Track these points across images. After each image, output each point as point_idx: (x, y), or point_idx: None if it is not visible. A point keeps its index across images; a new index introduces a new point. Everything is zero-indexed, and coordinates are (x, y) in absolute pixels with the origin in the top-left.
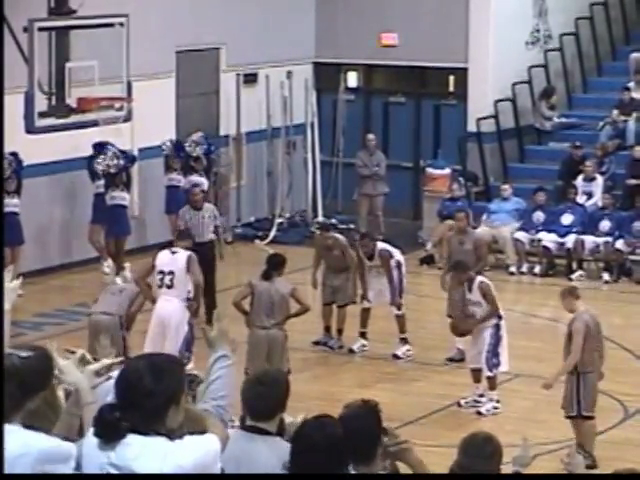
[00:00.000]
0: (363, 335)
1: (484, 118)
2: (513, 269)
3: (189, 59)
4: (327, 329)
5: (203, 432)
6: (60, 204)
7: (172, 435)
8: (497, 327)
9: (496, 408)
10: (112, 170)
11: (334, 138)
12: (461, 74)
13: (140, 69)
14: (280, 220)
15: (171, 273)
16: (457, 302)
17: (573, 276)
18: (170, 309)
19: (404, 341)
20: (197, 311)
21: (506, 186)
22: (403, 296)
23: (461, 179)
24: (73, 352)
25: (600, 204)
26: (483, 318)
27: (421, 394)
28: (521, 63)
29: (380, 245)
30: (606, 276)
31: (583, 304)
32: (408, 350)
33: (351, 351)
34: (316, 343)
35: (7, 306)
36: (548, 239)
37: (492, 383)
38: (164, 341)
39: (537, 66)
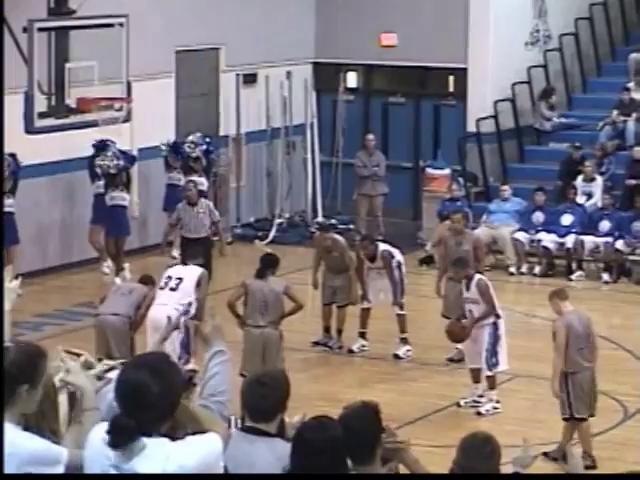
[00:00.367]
0: (363, 335)
1: (484, 118)
2: (513, 269)
3: (189, 59)
4: (327, 329)
5: (204, 431)
6: (60, 204)
7: (174, 435)
8: (495, 326)
9: (496, 408)
10: (112, 170)
11: (334, 138)
12: (461, 74)
13: (140, 69)
14: (280, 220)
15: (179, 279)
16: (453, 303)
17: (573, 276)
18: (163, 314)
19: (404, 341)
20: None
21: (506, 187)
22: (404, 296)
23: (461, 179)
24: (75, 354)
25: (600, 204)
26: (480, 317)
27: (421, 394)
28: (521, 63)
29: (382, 246)
30: (606, 276)
31: (571, 305)
32: (408, 350)
33: (351, 351)
34: (316, 343)
35: (7, 306)
36: (548, 239)
37: (492, 382)
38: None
39: (537, 66)
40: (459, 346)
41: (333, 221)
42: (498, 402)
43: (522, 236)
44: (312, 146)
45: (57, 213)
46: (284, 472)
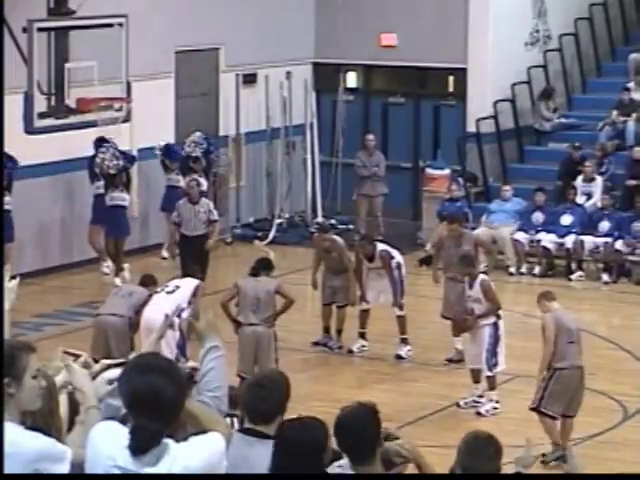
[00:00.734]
0: (362, 336)
1: (483, 119)
2: (512, 270)
3: (188, 59)
4: (326, 330)
5: (205, 430)
6: (60, 204)
7: (176, 436)
8: (496, 327)
9: (495, 408)
10: (111, 171)
11: (333, 139)
12: (460, 74)
13: (139, 69)
14: (279, 221)
15: (177, 286)
16: (453, 303)
17: (572, 277)
18: (157, 315)
19: (405, 341)
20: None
21: (507, 187)
22: (404, 297)
23: (460, 180)
24: (74, 354)
25: (599, 205)
26: (483, 314)
27: (420, 394)
28: (520, 64)
29: (380, 246)
30: (605, 277)
31: (558, 305)
32: (409, 350)
33: (350, 352)
34: (315, 344)
35: (6, 306)
36: (547, 240)
37: (492, 383)
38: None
39: (536, 67)
40: (458, 347)
41: (333, 221)
42: (498, 402)
43: (522, 236)
44: (312, 146)
45: (57, 213)
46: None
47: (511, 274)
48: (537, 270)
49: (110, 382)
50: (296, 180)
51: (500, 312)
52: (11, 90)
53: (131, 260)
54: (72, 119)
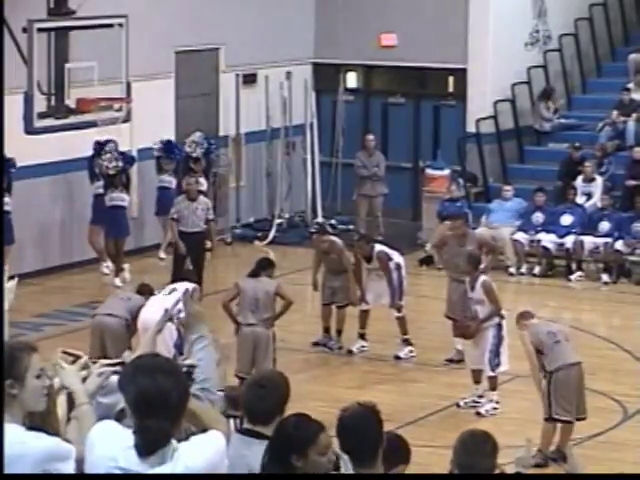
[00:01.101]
0: (362, 336)
1: (483, 119)
2: (512, 270)
3: (188, 59)
4: (326, 330)
5: (205, 428)
6: (60, 205)
7: (178, 436)
8: (499, 327)
9: (495, 409)
10: (111, 171)
11: (333, 139)
12: (460, 75)
13: (139, 70)
14: (279, 221)
15: (174, 289)
16: (456, 303)
17: (572, 277)
18: (153, 315)
19: (406, 342)
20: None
21: (508, 187)
22: (403, 298)
23: (460, 180)
24: (72, 354)
25: (599, 205)
26: (485, 318)
27: (420, 395)
28: (520, 64)
29: (377, 247)
30: (605, 277)
31: (537, 320)
32: (410, 351)
33: (350, 352)
34: (315, 344)
35: (5, 306)
36: (547, 240)
37: (493, 383)
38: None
39: (536, 67)
40: (458, 347)
41: (333, 221)
42: (498, 402)
43: (522, 236)
44: (312, 146)
45: (57, 213)
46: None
47: (511, 274)
48: (537, 270)
49: (100, 375)
50: (296, 180)
51: (503, 312)
52: (11, 90)
53: (130, 261)
54: (72, 119)
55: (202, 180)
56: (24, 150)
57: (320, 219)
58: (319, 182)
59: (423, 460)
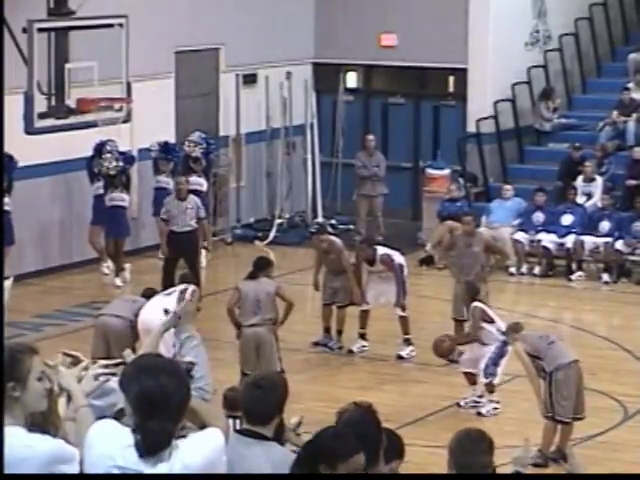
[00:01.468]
0: (363, 336)
1: (483, 119)
2: (513, 270)
3: (188, 60)
4: (327, 330)
5: (204, 425)
6: (60, 205)
7: (177, 435)
8: (505, 344)
9: (496, 409)
10: (112, 172)
11: (333, 139)
12: (460, 75)
13: (139, 70)
14: (280, 221)
15: (174, 291)
16: (462, 304)
17: (573, 277)
18: (151, 316)
19: (408, 342)
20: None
21: (508, 186)
22: (406, 297)
23: (460, 180)
24: (71, 355)
25: (600, 205)
26: (459, 339)
27: (421, 395)
28: (520, 64)
29: (380, 250)
30: (606, 277)
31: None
32: (412, 351)
33: (350, 352)
34: (316, 344)
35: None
36: (548, 240)
37: (490, 388)
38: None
39: (536, 67)
40: (461, 347)
41: (333, 221)
42: (498, 402)
43: (522, 236)
44: (312, 146)
45: (57, 213)
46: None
47: (511, 274)
48: (537, 270)
49: (96, 377)
50: (296, 180)
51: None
52: (11, 90)
53: (131, 261)
54: (72, 119)
55: (202, 180)
56: (24, 150)
57: (320, 219)
58: (319, 182)
59: (423, 460)
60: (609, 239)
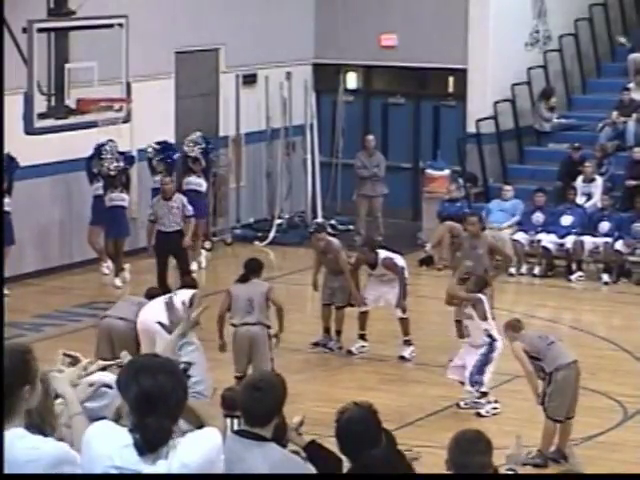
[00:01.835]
0: (362, 337)
1: (483, 119)
2: (512, 270)
3: (188, 60)
4: (326, 330)
5: (202, 425)
6: (60, 205)
7: (174, 434)
8: (491, 348)
9: (495, 409)
10: (112, 172)
11: (333, 139)
12: (460, 75)
13: (139, 70)
14: (279, 221)
15: (175, 294)
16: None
17: (572, 277)
18: (149, 317)
19: (408, 343)
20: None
21: (509, 187)
22: (406, 299)
23: (460, 180)
24: (70, 355)
25: (599, 205)
26: (465, 297)
27: (420, 395)
28: (520, 64)
29: (382, 254)
30: (605, 277)
31: (525, 331)
32: (413, 352)
33: (350, 352)
34: (315, 344)
35: None
36: (547, 240)
37: (480, 395)
38: (154, 347)
39: (536, 67)
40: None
41: (333, 222)
42: (497, 402)
43: (522, 236)
44: (312, 147)
45: (57, 213)
46: None
47: (511, 274)
48: (537, 270)
49: (91, 385)
50: (296, 180)
51: (497, 336)
52: (11, 90)
53: (130, 261)
54: (72, 120)
55: (201, 181)
56: (24, 150)
57: (320, 219)
58: (319, 182)
59: (423, 460)
60: (609, 239)
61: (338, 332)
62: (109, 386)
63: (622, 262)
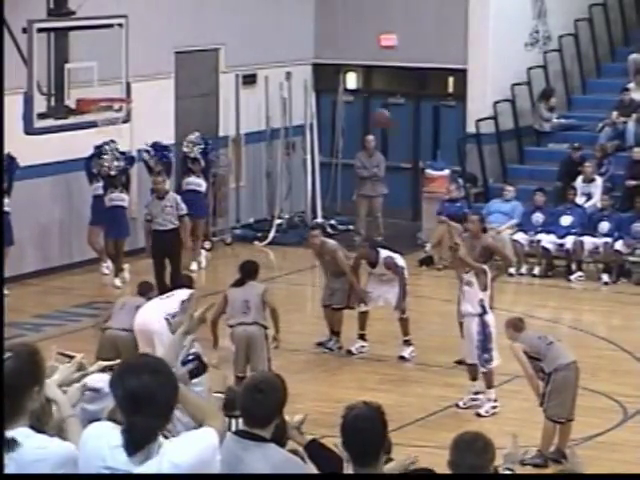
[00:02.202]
0: (362, 337)
1: (483, 119)
2: (512, 270)
3: (188, 60)
4: (332, 331)
5: (201, 424)
6: (60, 205)
7: (167, 434)
8: (483, 323)
9: (494, 407)
10: (112, 172)
11: (333, 139)
12: (460, 75)
13: (139, 70)
14: (279, 221)
15: (172, 294)
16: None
17: (572, 277)
18: (147, 318)
19: (408, 343)
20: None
21: (510, 187)
22: (406, 299)
23: (460, 180)
24: (69, 356)
25: (599, 205)
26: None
27: (420, 395)
28: (520, 64)
29: (383, 253)
30: (605, 277)
31: (525, 331)
32: (412, 352)
33: (350, 352)
34: (319, 344)
35: None
36: (547, 240)
37: (488, 380)
38: (153, 348)
39: (536, 67)
40: None
41: (333, 222)
42: (496, 401)
43: (522, 237)
44: (312, 147)
45: (57, 213)
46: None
47: (511, 274)
48: (537, 271)
49: (85, 388)
50: (296, 181)
51: (487, 307)
52: (11, 90)
53: (130, 261)
54: (72, 120)
55: (201, 181)
56: (24, 150)
57: (320, 219)
58: (319, 182)
59: (423, 460)
60: (609, 240)
61: (337, 333)
62: (96, 390)
63: (622, 262)
